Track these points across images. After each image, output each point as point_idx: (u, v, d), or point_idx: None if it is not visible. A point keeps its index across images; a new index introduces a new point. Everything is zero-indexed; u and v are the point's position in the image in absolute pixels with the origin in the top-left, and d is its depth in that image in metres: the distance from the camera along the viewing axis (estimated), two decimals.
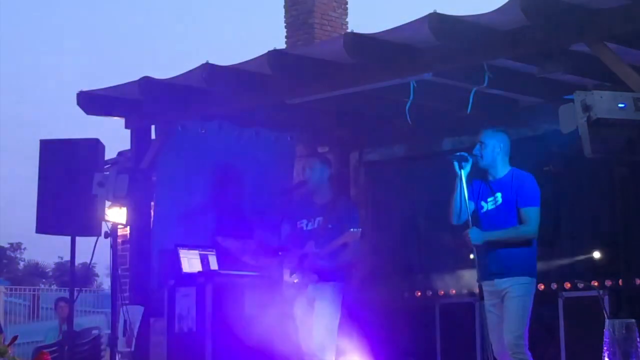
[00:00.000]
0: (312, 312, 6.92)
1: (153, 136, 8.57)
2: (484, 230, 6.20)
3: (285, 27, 12.41)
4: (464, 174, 6.16)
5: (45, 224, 7.83)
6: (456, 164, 6.17)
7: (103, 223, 7.22)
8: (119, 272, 7.31)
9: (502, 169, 6.26)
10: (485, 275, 6.16)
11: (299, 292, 6.98)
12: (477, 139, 6.32)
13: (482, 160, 6.23)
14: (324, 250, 6.83)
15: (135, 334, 7.37)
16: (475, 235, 6.09)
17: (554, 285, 7.69)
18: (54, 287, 28.32)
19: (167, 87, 7.77)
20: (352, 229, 6.79)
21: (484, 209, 6.27)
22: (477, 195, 6.30)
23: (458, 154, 6.23)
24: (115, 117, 8.45)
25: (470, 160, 6.19)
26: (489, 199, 6.26)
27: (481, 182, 6.34)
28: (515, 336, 5.95)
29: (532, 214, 6.10)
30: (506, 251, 6.09)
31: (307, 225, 7.06)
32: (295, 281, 6.94)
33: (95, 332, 9.57)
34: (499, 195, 6.20)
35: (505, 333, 5.99)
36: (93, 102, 8.17)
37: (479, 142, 6.27)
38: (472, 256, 6.16)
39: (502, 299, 6.10)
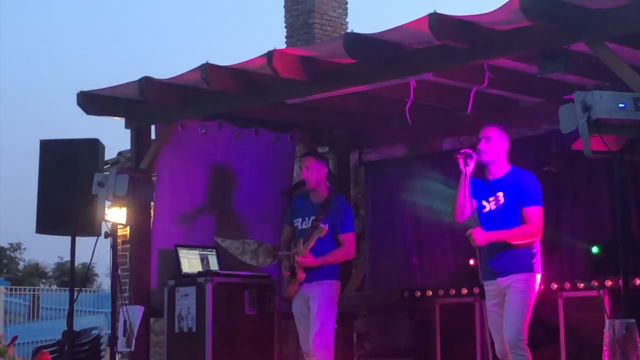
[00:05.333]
0: (308, 311, 6.94)
1: (153, 136, 8.57)
2: (486, 230, 6.20)
3: (285, 27, 12.42)
4: (468, 171, 6.16)
5: (45, 224, 7.83)
6: (461, 161, 6.16)
7: (103, 223, 7.22)
8: (119, 272, 7.31)
9: (503, 167, 6.26)
10: (487, 274, 6.17)
11: (292, 291, 7.01)
12: (482, 134, 6.29)
13: (487, 156, 6.21)
14: (305, 248, 6.87)
15: (135, 334, 7.37)
16: (479, 236, 6.09)
17: (554, 285, 7.68)
18: (54, 287, 28.31)
19: (167, 87, 7.77)
20: (346, 234, 6.91)
21: (486, 209, 6.26)
22: (477, 193, 6.29)
23: (463, 150, 6.22)
24: (115, 117, 8.45)
25: (475, 158, 6.18)
26: (490, 199, 6.25)
27: (480, 180, 6.33)
28: (515, 331, 5.95)
29: (535, 214, 6.10)
30: (508, 249, 6.09)
31: (301, 224, 7.09)
32: (288, 280, 6.99)
33: (95, 332, 9.58)
34: (500, 195, 6.19)
35: (506, 328, 6.00)
36: (93, 102, 8.17)
37: (485, 137, 6.24)
38: (471, 262, 6.17)
39: (504, 297, 6.10)
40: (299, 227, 7.11)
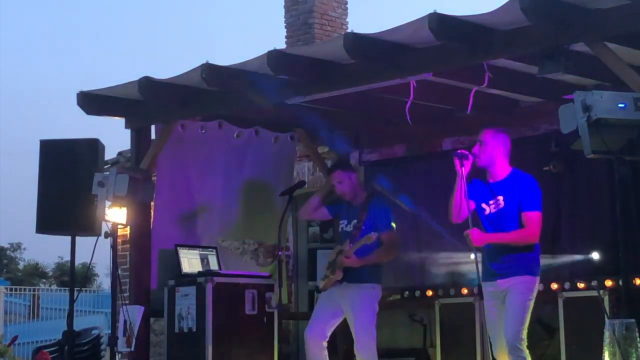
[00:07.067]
0: (332, 309, 6.98)
1: (153, 136, 8.57)
2: (487, 232, 6.20)
3: (285, 27, 12.43)
4: (464, 172, 6.16)
5: (45, 224, 7.84)
6: (457, 162, 6.17)
7: (103, 223, 7.22)
8: (119, 272, 7.31)
9: (502, 170, 6.25)
10: (487, 275, 6.17)
11: (327, 285, 7.10)
12: (477, 139, 6.32)
13: (480, 160, 6.23)
14: (351, 249, 6.93)
15: (135, 334, 7.37)
16: (476, 237, 6.09)
17: (554, 285, 7.69)
18: (54, 287, 28.31)
19: (167, 87, 7.77)
20: (386, 232, 6.98)
21: (486, 212, 6.25)
22: (477, 195, 6.29)
23: (459, 152, 6.23)
24: (115, 117, 8.44)
25: (471, 159, 6.19)
26: (490, 202, 6.24)
27: (481, 182, 6.33)
28: (514, 333, 5.95)
29: (533, 219, 6.09)
30: (509, 252, 6.09)
31: (346, 226, 7.19)
32: (325, 274, 7.06)
33: (95, 332, 9.57)
34: (500, 198, 6.19)
35: (505, 330, 6.00)
36: (93, 102, 8.16)
37: (479, 142, 6.26)
38: (472, 257, 6.18)
39: (503, 299, 6.10)
40: (343, 229, 7.24)
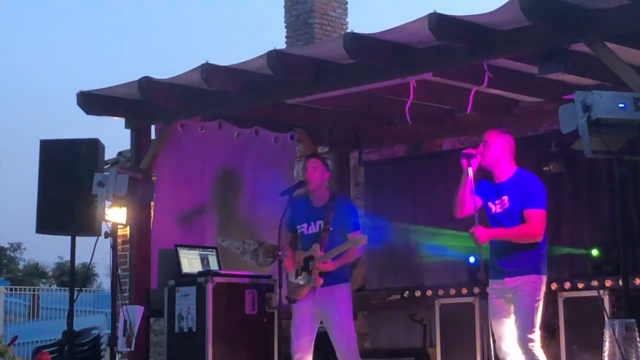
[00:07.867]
0: (316, 314, 6.90)
1: (153, 136, 8.58)
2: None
3: (285, 27, 12.44)
4: (471, 171, 6.16)
5: (45, 224, 7.84)
6: (464, 162, 6.17)
7: (103, 223, 7.22)
8: (119, 272, 7.31)
9: (507, 170, 6.24)
10: (495, 273, 6.17)
11: (303, 294, 6.97)
12: (481, 139, 6.30)
13: (484, 160, 6.22)
14: (330, 254, 6.83)
15: (135, 334, 7.36)
16: (481, 234, 6.09)
17: (554, 285, 7.69)
18: (54, 287, 28.30)
19: (167, 87, 7.78)
20: (356, 232, 6.84)
21: (493, 211, 6.27)
22: (484, 195, 6.29)
23: (466, 151, 6.23)
24: (115, 117, 8.45)
25: (479, 158, 6.19)
26: (496, 201, 6.25)
27: (488, 182, 6.34)
28: (525, 336, 5.95)
29: (536, 216, 6.08)
30: (516, 249, 6.09)
31: (307, 228, 7.04)
32: (301, 283, 6.92)
33: (95, 332, 9.57)
34: (505, 198, 6.20)
35: (517, 331, 6.00)
36: (93, 102, 8.18)
37: (483, 142, 6.25)
38: (472, 259, 6.19)
39: (510, 297, 6.10)
40: (305, 233, 7.02)
